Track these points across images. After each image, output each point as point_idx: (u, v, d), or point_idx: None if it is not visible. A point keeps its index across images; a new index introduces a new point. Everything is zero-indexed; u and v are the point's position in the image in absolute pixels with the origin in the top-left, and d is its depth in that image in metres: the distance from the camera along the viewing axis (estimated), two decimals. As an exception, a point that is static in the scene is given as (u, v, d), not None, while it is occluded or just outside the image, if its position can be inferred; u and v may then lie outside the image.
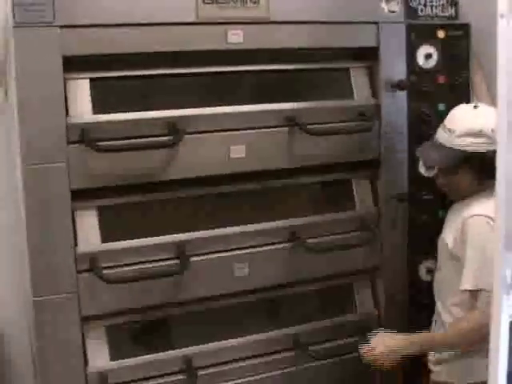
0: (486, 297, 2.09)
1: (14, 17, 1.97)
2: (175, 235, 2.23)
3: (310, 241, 2.35)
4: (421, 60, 2.51)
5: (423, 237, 2.57)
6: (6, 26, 2.15)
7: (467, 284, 2.19)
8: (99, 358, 2.18)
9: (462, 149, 2.24)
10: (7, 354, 2.92)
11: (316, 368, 2.37)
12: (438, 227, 2.43)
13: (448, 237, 2.32)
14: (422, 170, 2.41)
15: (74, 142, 2.07)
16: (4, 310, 2.84)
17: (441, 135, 2.30)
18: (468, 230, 2.22)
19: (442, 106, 2.54)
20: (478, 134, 2.22)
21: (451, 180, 2.34)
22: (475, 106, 2.31)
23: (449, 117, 2.31)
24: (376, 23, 2.42)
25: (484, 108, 2.30)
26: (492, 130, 2.16)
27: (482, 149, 2.21)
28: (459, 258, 2.24)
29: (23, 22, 1.98)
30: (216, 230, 2.29)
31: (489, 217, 2.17)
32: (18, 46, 1.99)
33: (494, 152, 2.00)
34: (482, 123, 2.22)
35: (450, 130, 2.26)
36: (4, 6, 2.16)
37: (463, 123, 2.25)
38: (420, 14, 2.51)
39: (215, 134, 2.25)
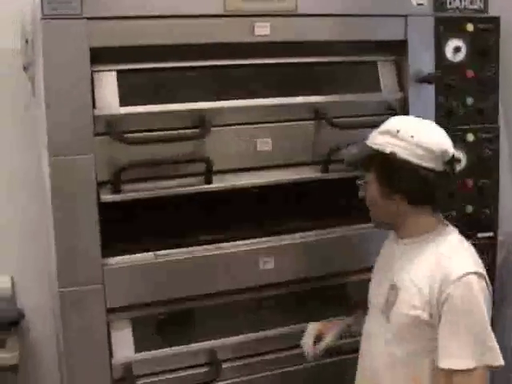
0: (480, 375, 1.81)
1: (42, 9, 1.97)
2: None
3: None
4: (449, 53, 2.47)
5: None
6: (33, 19, 2.15)
7: (465, 361, 1.79)
8: (124, 349, 2.18)
9: (374, 146, 1.94)
10: (31, 339, 2.94)
11: (340, 362, 2.35)
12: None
13: (411, 298, 1.89)
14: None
15: (100, 134, 2.07)
16: (27, 296, 2.87)
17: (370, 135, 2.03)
18: (457, 294, 1.82)
19: (469, 100, 2.50)
20: (393, 134, 1.91)
21: (368, 192, 1.99)
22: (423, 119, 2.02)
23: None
24: (404, 16, 2.38)
25: (429, 123, 2.00)
26: (417, 142, 1.86)
27: (391, 149, 1.89)
28: (434, 325, 1.86)
29: (51, 14, 1.98)
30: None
31: (483, 275, 1.87)
32: (45, 39, 1.99)
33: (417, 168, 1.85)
34: (405, 126, 1.93)
35: (377, 129, 2.00)
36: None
37: (389, 121, 1.98)
38: (448, 6, 2.47)
39: (241, 126, 2.24)
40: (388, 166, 1.91)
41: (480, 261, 1.94)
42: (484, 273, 1.89)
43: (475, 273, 1.85)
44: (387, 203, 1.96)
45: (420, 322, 1.88)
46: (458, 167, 2.09)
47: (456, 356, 1.81)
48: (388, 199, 1.95)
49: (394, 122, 1.97)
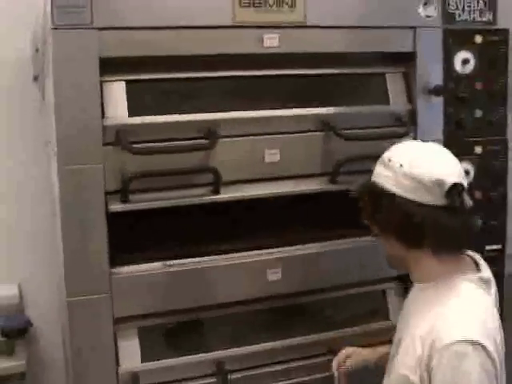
0: None
1: (52, 19, 1.97)
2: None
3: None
4: (458, 65, 2.46)
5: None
6: (44, 29, 2.15)
7: None
8: (131, 359, 2.17)
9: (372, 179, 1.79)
10: (38, 347, 2.95)
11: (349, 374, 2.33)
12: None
13: (406, 355, 1.69)
14: None
15: (109, 144, 2.06)
16: (35, 305, 2.88)
17: None
18: (441, 366, 1.58)
19: (478, 113, 2.49)
20: (386, 163, 1.75)
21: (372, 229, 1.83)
22: (425, 141, 1.83)
23: None
24: (413, 28, 2.37)
25: (432, 149, 1.79)
26: (404, 172, 1.68)
27: (385, 183, 1.72)
28: None
29: (61, 24, 1.97)
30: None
31: (482, 345, 1.58)
32: (55, 48, 1.99)
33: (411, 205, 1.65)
34: (399, 154, 1.75)
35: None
36: (40, 8, 2.18)
37: (390, 149, 1.81)
38: (457, 18, 2.45)
39: (249, 137, 2.23)
40: (372, 198, 1.76)
41: (492, 328, 1.66)
42: (487, 344, 1.59)
43: (471, 342, 1.57)
44: (386, 241, 1.79)
45: None
46: (468, 200, 1.73)
47: None
48: (387, 238, 1.78)
49: (391, 151, 1.79)
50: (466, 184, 1.73)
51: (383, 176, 1.74)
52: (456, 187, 1.67)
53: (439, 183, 1.66)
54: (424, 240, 1.71)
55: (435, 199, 1.68)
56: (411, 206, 1.68)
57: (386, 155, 1.77)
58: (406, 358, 1.69)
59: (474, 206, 1.75)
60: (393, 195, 1.70)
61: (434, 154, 1.76)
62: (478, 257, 1.86)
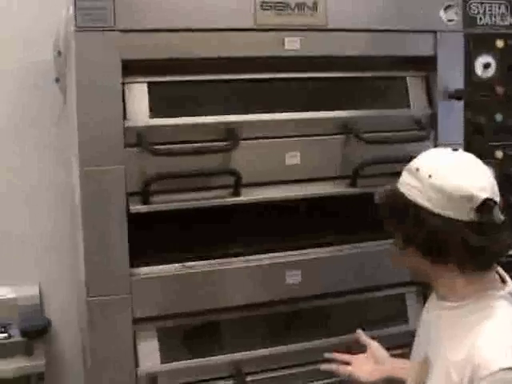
0: None
1: (75, 21, 1.97)
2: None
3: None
4: (479, 70, 2.44)
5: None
6: (66, 31, 2.15)
7: None
8: (150, 359, 2.16)
9: (396, 185, 1.70)
10: (57, 348, 2.95)
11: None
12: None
13: (441, 379, 1.62)
14: None
15: (130, 146, 2.06)
16: (55, 305, 2.88)
17: None
18: None
19: (499, 117, 2.47)
20: (414, 173, 1.65)
21: (392, 245, 1.76)
22: (455, 149, 1.71)
23: None
24: (434, 32, 2.35)
25: (463, 160, 1.68)
26: (431, 183, 1.60)
27: (411, 193, 1.63)
28: None
29: (84, 26, 1.97)
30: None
31: None
32: (78, 50, 1.99)
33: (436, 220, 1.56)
34: (428, 163, 1.66)
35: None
36: (62, 10, 2.19)
37: (418, 157, 1.72)
38: (479, 23, 2.44)
39: (270, 140, 2.22)
40: (396, 208, 1.66)
41: None
42: None
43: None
44: (402, 252, 1.71)
45: None
46: (499, 216, 1.61)
47: None
48: (402, 248, 1.70)
49: (420, 159, 1.70)
50: (498, 199, 1.62)
51: (410, 186, 1.64)
52: (487, 203, 1.57)
53: (469, 198, 1.57)
54: (449, 257, 1.63)
55: (464, 214, 1.58)
56: (437, 221, 1.59)
57: (415, 164, 1.68)
58: (440, 382, 1.62)
59: (506, 220, 1.64)
60: (419, 207, 1.61)
61: (465, 166, 1.65)
62: (501, 270, 1.75)
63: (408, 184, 1.65)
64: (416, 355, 1.83)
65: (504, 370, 1.49)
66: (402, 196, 1.65)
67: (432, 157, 1.70)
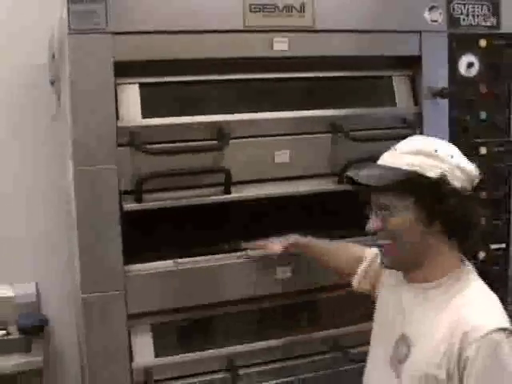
0: None
1: (68, 24, 1.97)
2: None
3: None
4: (462, 69, 2.45)
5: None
6: (60, 34, 2.16)
7: None
8: (144, 354, 2.17)
9: (409, 168, 1.67)
10: (55, 344, 2.96)
11: (357, 370, 2.32)
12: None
13: (428, 354, 1.65)
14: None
15: (123, 145, 2.06)
16: (51, 303, 2.88)
17: (384, 157, 1.78)
18: (478, 357, 1.55)
19: (483, 115, 2.49)
20: (430, 154, 1.68)
21: (393, 223, 1.71)
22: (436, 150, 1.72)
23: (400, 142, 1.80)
24: (419, 32, 2.37)
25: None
26: (457, 163, 1.67)
27: (435, 173, 1.65)
28: None
29: (78, 29, 1.98)
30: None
31: (509, 330, 1.58)
32: (72, 53, 2.00)
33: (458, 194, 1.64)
34: (438, 146, 1.71)
35: (394, 149, 1.75)
36: (56, 14, 2.19)
37: (414, 143, 1.75)
38: (462, 23, 2.44)
39: (260, 139, 2.23)
40: (436, 192, 1.65)
41: (505, 313, 1.65)
42: (511, 326, 1.60)
43: (503, 329, 1.57)
44: (415, 236, 1.69)
45: (437, 382, 1.62)
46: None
47: None
48: (418, 231, 1.69)
49: (424, 141, 1.74)
50: None
51: (438, 168, 1.66)
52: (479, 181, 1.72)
53: (476, 177, 1.72)
54: (469, 231, 1.72)
55: (470, 190, 1.70)
56: (468, 199, 1.68)
57: (424, 146, 1.71)
58: (427, 358, 1.64)
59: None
60: (454, 188, 1.66)
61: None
62: None
63: (432, 165, 1.67)
64: (381, 331, 1.87)
65: (494, 331, 1.55)
66: (424, 177, 1.66)
67: (432, 139, 1.78)
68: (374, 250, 2.00)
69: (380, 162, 1.78)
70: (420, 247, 1.72)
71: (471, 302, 1.65)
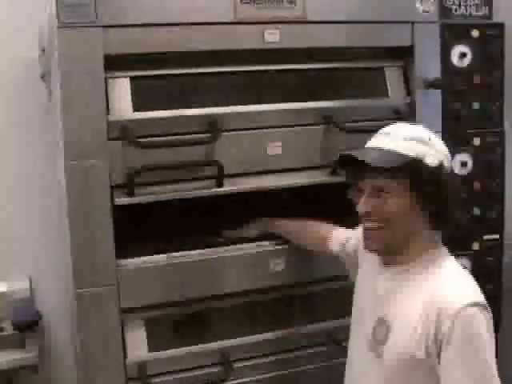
0: None
1: (58, 18, 1.95)
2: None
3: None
4: (455, 59, 2.44)
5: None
6: (50, 28, 2.14)
7: None
8: (138, 349, 2.15)
9: (407, 153, 1.70)
10: (49, 340, 2.94)
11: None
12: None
13: (405, 334, 1.68)
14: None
15: (114, 139, 2.04)
16: (45, 298, 2.87)
17: (379, 141, 1.78)
18: (455, 332, 1.59)
19: (476, 105, 2.47)
20: (427, 142, 1.73)
21: (387, 207, 1.72)
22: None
23: (385, 127, 1.83)
24: (411, 23, 2.35)
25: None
26: (441, 145, 1.75)
27: (432, 160, 1.70)
28: (433, 365, 1.64)
29: (67, 22, 1.96)
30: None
31: (485, 306, 1.64)
32: (61, 46, 1.97)
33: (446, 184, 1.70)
34: (429, 133, 1.76)
35: (388, 134, 1.77)
36: (46, 8, 2.17)
37: (410, 130, 1.77)
38: (454, 13, 2.43)
39: (252, 131, 2.20)
40: (435, 179, 1.70)
41: (479, 289, 1.70)
42: (485, 302, 1.65)
43: (476, 304, 1.62)
44: (408, 220, 1.73)
45: (417, 362, 1.65)
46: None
47: None
48: (411, 216, 1.73)
49: (415, 128, 1.78)
50: None
51: (431, 155, 1.71)
52: None
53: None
54: (451, 214, 1.78)
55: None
56: (451, 179, 1.77)
57: (419, 133, 1.76)
58: (405, 339, 1.67)
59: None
60: (446, 174, 1.74)
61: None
62: None
63: (426, 152, 1.71)
64: (359, 314, 1.89)
65: (468, 305, 1.59)
66: (423, 163, 1.70)
67: (423, 128, 1.80)
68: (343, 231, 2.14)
69: (374, 145, 1.79)
70: (407, 231, 1.75)
71: (445, 280, 1.69)
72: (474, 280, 1.72)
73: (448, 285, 1.68)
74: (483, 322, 1.61)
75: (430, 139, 1.74)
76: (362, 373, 1.83)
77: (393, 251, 1.78)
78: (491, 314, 1.66)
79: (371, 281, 1.86)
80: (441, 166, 1.72)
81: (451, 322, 1.59)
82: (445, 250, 1.81)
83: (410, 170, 1.69)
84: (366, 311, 1.85)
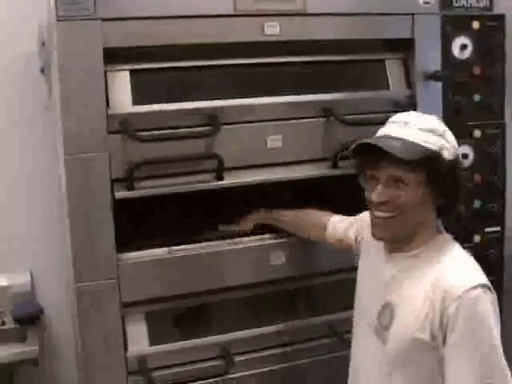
0: None
1: (56, 11, 1.94)
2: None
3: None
4: (456, 51, 2.42)
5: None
6: (49, 21, 2.12)
7: None
8: (139, 343, 2.14)
9: (428, 146, 1.70)
10: (50, 334, 2.94)
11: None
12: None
13: (410, 318, 1.70)
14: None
15: (114, 133, 2.03)
16: (46, 292, 2.87)
17: (399, 131, 1.74)
18: (461, 314, 1.61)
19: (477, 97, 2.45)
20: (443, 134, 1.73)
21: (404, 197, 1.71)
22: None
23: (398, 116, 1.82)
24: (411, 15, 2.33)
25: None
26: (455, 145, 1.75)
27: (449, 154, 1.71)
28: (438, 348, 1.66)
29: (65, 15, 1.95)
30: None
31: (489, 287, 1.66)
32: (60, 40, 1.96)
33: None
34: (444, 126, 1.77)
35: (407, 123, 1.74)
36: (45, 1, 2.15)
37: (425, 120, 1.76)
38: (455, 5, 2.41)
39: (252, 124, 2.19)
40: (451, 172, 1.72)
41: (482, 271, 1.72)
42: (489, 284, 1.67)
43: (480, 285, 1.63)
44: (419, 211, 1.73)
45: (422, 345, 1.66)
46: None
47: (462, 381, 1.61)
48: (423, 206, 1.73)
49: (432, 120, 1.76)
50: None
51: (446, 148, 1.72)
52: None
53: None
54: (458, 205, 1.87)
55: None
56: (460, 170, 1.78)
57: (435, 125, 1.75)
58: (410, 322, 1.69)
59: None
60: (456, 163, 1.75)
61: None
62: None
63: (443, 146, 1.72)
64: (364, 300, 1.90)
65: (473, 288, 1.61)
66: (441, 156, 1.71)
67: (436, 118, 1.80)
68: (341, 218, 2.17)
69: (394, 135, 1.75)
70: (418, 221, 1.75)
71: (449, 264, 1.71)
72: (477, 264, 1.74)
73: (453, 268, 1.70)
74: (488, 303, 1.62)
75: (444, 131, 1.74)
76: (367, 358, 1.85)
77: (401, 239, 1.78)
78: (495, 295, 1.67)
79: (376, 268, 1.86)
80: (457, 159, 1.75)
81: (456, 305, 1.61)
82: (449, 236, 1.82)
83: (430, 162, 1.69)
84: (370, 298, 1.85)
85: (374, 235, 1.81)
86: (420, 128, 1.72)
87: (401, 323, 1.73)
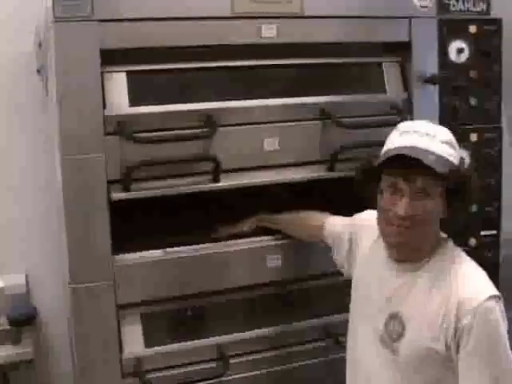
0: None
1: (53, 12, 1.93)
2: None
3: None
4: (453, 55, 2.42)
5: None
6: (46, 22, 2.12)
7: None
8: (134, 344, 2.14)
9: (451, 159, 1.73)
10: (45, 335, 2.93)
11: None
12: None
13: (423, 328, 1.71)
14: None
15: (110, 134, 2.02)
16: (42, 293, 2.86)
17: (421, 141, 1.72)
18: (475, 325, 1.64)
19: (473, 101, 2.45)
20: (455, 146, 1.78)
21: (426, 208, 1.72)
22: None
23: (413, 124, 1.83)
24: (408, 18, 2.33)
25: None
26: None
27: (466, 168, 1.83)
28: (452, 358, 1.68)
29: (62, 17, 1.94)
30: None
31: (499, 297, 1.69)
32: (57, 41, 1.96)
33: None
34: (453, 137, 1.80)
35: (429, 135, 1.73)
36: (42, 2, 2.15)
37: (443, 132, 1.78)
38: (452, 9, 2.41)
39: (249, 126, 2.19)
40: (467, 185, 1.75)
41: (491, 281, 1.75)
42: (499, 293, 1.70)
43: (493, 297, 1.67)
44: (435, 221, 1.77)
45: (435, 356, 1.69)
46: None
47: None
48: (439, 217, 1.77)
49: (445, 132, 1.78)
50: None
51: (458, 156, 1.77)
52: None
53: None
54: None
55: None
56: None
57: (450, 136, 1.78)
58: (423, 333, 1.71)
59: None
60: (469, 173, 1.79)
61: None
62: None
63: (461, 159, 1.79)
64: (373, 312, 1.85)
65: (487, 299, 1.64)
66: (460, 170, 1.76)
67: (446, 129, 1.82)
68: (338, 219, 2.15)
69: (420, 145, 1.72)
70: (432, 231, 1.79)
71: (461, 274, 1.73)
72: (485, 273, 1.76)
73: (465, 279, 1.71)
74: (499, 314, 1.66)
75: (456, 143, 1.78)
76: (374, 371, 1.83)
77: (412, 248, 1.78)
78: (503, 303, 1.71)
79: (379, 276, 1.86)
80: (473, 173, 1.81)
81: (472, 316, 1.64)
82: (451, 242, 1.84)
83: (451, 176, 1.71)
84: (373, 305, 1.85)
85: (387, 243, 1.82)
86: (442, 140, 1.74)
87: (414, 334, 1.73)
